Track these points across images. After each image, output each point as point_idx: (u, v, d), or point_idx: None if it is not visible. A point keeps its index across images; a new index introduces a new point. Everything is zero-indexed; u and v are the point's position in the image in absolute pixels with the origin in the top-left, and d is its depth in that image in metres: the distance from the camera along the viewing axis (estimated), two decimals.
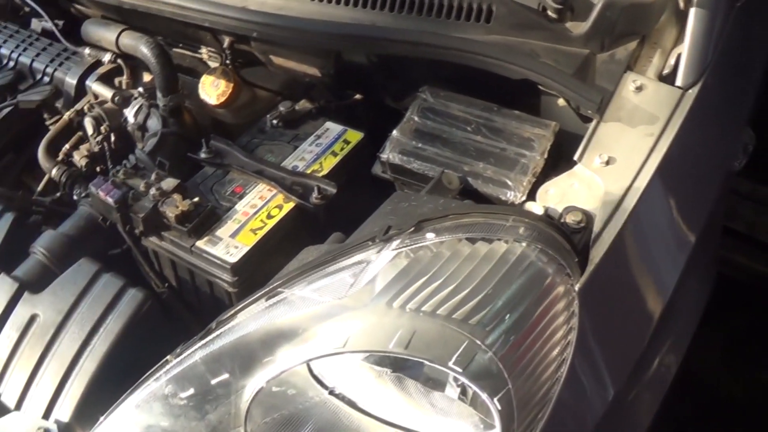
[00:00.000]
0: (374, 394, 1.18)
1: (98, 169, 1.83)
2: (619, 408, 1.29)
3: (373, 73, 1.74)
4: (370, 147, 1.62)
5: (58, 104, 1.99)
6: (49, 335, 1.42)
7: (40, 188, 1.86)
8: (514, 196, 1.39)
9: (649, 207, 1.28)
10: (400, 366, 1.13)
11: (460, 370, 1.02)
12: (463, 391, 1.10)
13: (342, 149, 1.66)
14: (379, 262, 1.15)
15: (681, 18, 1.42)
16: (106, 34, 1.93)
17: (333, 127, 1.72)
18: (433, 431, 1.16)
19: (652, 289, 1.34)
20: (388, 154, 1.50)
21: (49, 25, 2.10)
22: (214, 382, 1.15)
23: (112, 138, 1.84)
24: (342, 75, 1.78)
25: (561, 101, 1.51)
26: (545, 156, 1.43)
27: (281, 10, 1.67)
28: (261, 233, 1.49)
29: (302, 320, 1.13)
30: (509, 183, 1.40)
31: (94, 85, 1.93)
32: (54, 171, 1.81)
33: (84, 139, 1.86)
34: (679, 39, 1.43)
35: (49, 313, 1.45)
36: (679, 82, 1.37)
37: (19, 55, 2.06)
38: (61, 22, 2.09)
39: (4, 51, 2.08)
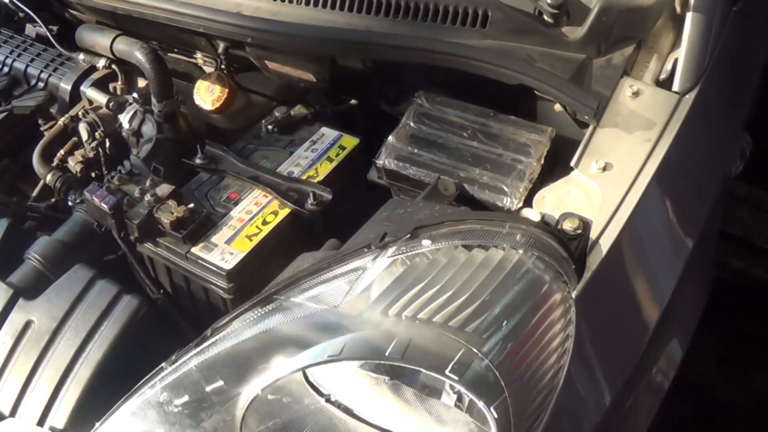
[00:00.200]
0: (371, 402, 1.18)
1: (93, 174, 1.83)
2: (617, 415, 1.29)
3: (368, 79, 1.74)
4: (366, 153, 1.62)
5: (53, 110, 2.00)
6: (44, 342, 1.42)
7: (34, 194, 1.85)
8: (511, 202, 1.39)
9: (647, 213, 1.27)
10: (396, 373, 1.12)
11: (456, 378, 1.01)
12: (460, 398, 1.09)
13: (338, 155, 1.66)
14: (375, 270, 1.15)
15: (678, 22, 1.41)
16: (100, 39, 1.92)
17: (328, 133, 1.72)
18: None
19: (650, 296, 1.33)
20: (384, 160, 1.50)
21: (43, 30, 2.09)
22: (209, 389, 1.15)
23: (107, 144, 1.83)
24: (337, 80, 1.78)
25: (557, 106, 1.50)
26: (542, 162, 1.43)
27: (276, 15, 1.66)
28: (256, 239, 1.49)
29: (298, 328, 1.13)
30: (506, 189, 1.40)
31: (89, 91, 1.93)
32: (49, 177, 1.81)
33: (79, 144, 1.86)
34: (675, 44, 1.42)
35: (43, 320, 1.44)
36: (676, 87, 1.36)
37: (14, 60, 2.07)
38: (55, 28, 2.09)
39: None
